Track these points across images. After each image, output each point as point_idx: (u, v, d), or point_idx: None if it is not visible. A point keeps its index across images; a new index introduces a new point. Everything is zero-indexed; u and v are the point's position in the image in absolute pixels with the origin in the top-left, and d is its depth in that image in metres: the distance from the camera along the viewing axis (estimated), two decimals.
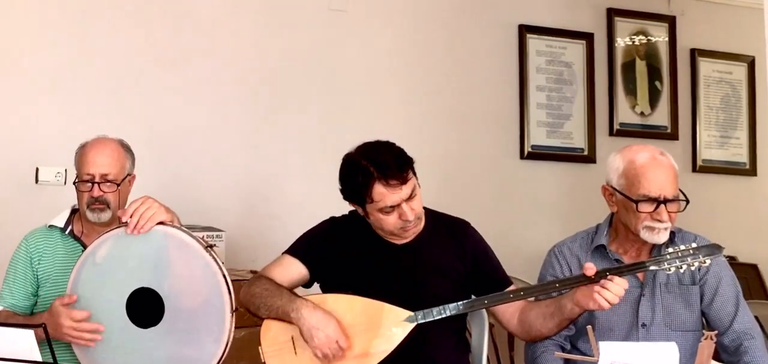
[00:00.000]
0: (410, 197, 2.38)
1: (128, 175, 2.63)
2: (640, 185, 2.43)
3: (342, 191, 2.47)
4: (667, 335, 2.47)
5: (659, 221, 2.41)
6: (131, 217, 2.28)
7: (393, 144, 2.43)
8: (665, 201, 2.41)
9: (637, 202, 2.42)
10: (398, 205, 2.37)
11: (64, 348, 2.36)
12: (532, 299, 2.50)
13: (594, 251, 2.59)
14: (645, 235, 2.44)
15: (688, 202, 2.46)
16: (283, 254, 2.57)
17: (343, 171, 2.45)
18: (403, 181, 2.35)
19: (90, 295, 2.31)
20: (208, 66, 3.89)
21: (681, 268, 2.26)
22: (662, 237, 2.45)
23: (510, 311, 2.49)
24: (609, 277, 2.25)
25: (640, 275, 2.56)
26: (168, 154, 3.76)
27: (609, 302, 2.23)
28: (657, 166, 2.45)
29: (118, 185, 2.56)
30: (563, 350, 2.55)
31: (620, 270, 2.31)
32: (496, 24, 4.47)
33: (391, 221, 2.40)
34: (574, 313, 2.30)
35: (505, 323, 2.52)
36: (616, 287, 2.23)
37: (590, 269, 2.23)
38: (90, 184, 2.54)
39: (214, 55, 3.91)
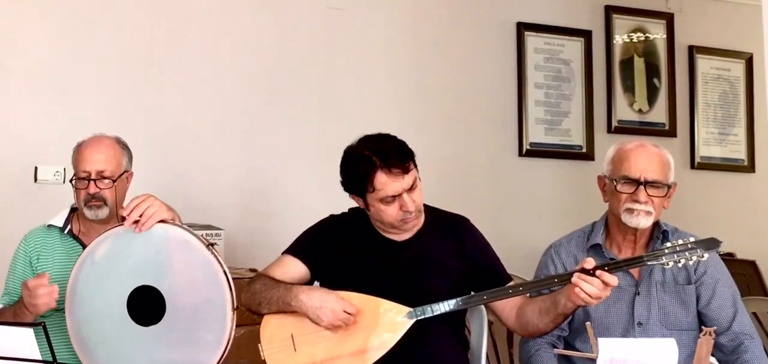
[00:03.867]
0: (411, 188, 2.40)
1: (125, 172, 2.64)
2: (622, 166, 2.52)
3: (343, 182, 2.48)
4: (663, 334, 2.47)
5: (637, 201, 2.46)
6: (131, 214, 2.28)
7: (395, 136, 2.46)
8: (645, 183, 2.47)
9: (617, 182, 2.50)
10: (399, 195, 2.38)
11: (63, 346, 2.36)
12: (530, 294, 2.50)
13: (589, 249, 2.60)
14: (626, 218, 2.49)
15: (669, 187, 2.51)
16: (282, 253, 2.57)
17: (344, 162, 2.47)
18: (405, 170, 2.37)
19: (90, 294, 2.31)
20: (207, 64, 3.90)
21: (679, 262, 2.26)
22: (642, 221, 2.48)
23: (508, 307, 2.49)
24: (607, 270, 2.24)
25: (635, 274, 2.57)
26: (167, 152, 3.76)
27: (589, 296, 2.19)
28: (642, 151, 2.53)
29: (114, 182, 2.56)
30: (555, 348, 2.57)
31: (618, 265, 2.31)
32: (494, 21, 4.48)
33: (391, 213, 2.41)
34: (567, 308, 2.30)
35: (504, 319, 2.52)
36: (597, 281, 2.19)
37: (589, 262, 2.23)
38: (86, 181, 2.54)
39: (213, 54, 3.91)
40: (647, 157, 2.51)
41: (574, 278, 2.21)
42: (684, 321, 2.54)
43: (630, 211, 2.48)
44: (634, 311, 2.54)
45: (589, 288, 2.19)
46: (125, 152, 2.66)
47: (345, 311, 2.31)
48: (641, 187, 2.47)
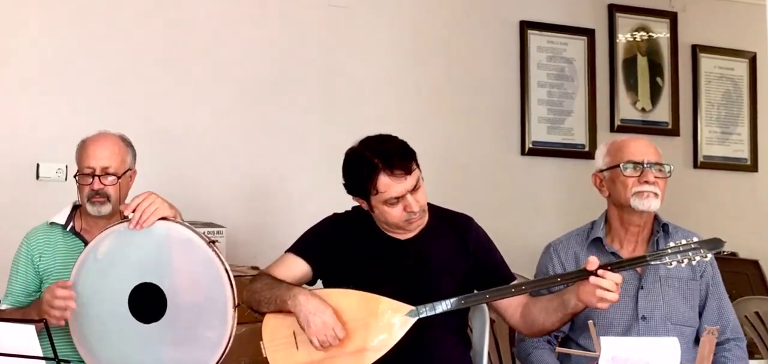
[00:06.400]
0: (415, 189, 2.39)
1: (129, 169, 2.63)
2: (622, 153, 2.57)
3: (346, 185, 2.47)
4: (667, 329, 2.48)
5: (646, 182, 2.50)
6: (134, 211, 2.28)
7: (396, 137, 2.44)
8: (649, 164, 2.51)
9: (621, 167, 2.52)
10: (403, 196, 2.37)
11: (65, 343, 2.36)
12: (533, 293, 2.50)
13: (590, 244, 2.61)
14: (635, 203, 2.50)
15: (670, 169, 2.56)
16: (285, 252, 2.56)
17: (346, 165, 2.45)
18: (408, 171, 2.36)
19: (92, 291, 2.31)
20: (208, 62, 3.89)
21: (682, 262, 2.26)
22: (653, 203, 2.50)
23: (513, 306, 2.48)
24: (610, 269, 2.23)
25: (638, 269, 2.57)
26: (168, 150, 3.76)
27: (608, 301, 2.21)
28: (638, 139, 2.64)
29: (119, 178, 2.56)
30: (550, 344, 2.58)
31: (622, 264, 2.31)
32: (497, 20, 4.47)
33: (395, 214, 2.40)
34: (578, 308, 2.30)
35: (508, 318, 2.52)
36: (611, 281, 2.20)
37: (593, 263, 2.23)
38: (90, 177, 2.54)
39: (215, 52, 3.91)
40: (644, 144, 2.59)
41: (593, 279, 2.20)
42: (687, 317, 2.55)
43: (639, 194, 2.50)
44: (637, 305, 2.53)
45: (609, 285, 2.19)
46: (130, 150, 2.66)
47: (334, 331, 2.29)
48: (647, 168, 2.51)
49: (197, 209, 3.53)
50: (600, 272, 2.21)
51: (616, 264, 2.30)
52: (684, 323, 2.53)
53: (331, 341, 2.29)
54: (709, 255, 2.27)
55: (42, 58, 3.63)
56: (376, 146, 2.40)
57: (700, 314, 2.57)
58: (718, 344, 2.52)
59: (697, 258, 2.25)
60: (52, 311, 2.28)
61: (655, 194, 2.50)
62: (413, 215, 2.41)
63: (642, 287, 2.54)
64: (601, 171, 2.62)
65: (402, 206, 2.39)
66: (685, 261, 2.26)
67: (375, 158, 2.36)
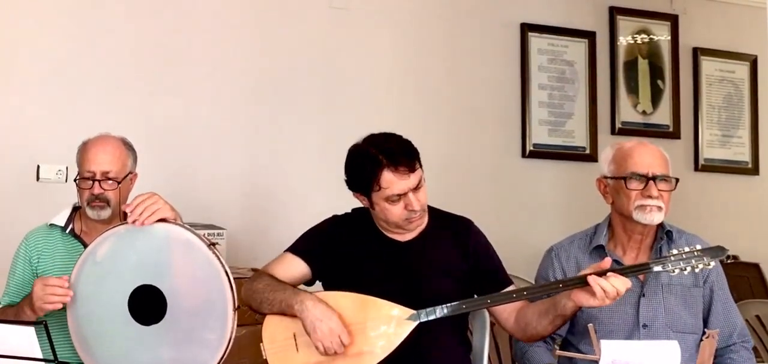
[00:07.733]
0: (417, 188, 2.40)
1: (130, 173, 2.63)
2: (627, 164, 2.51)
3: (348, 181, 2.47)
4: (668, 337, 2.46)
5: (650, 197, 2.46)
6: (134, 210, 2.28)
7: (400, 135, 2.46)
8: (654, 178, 2.47)
9: (626, 179, 2.48)
10: (405, 193, 2.38)
11: (64, 345, 2.36)
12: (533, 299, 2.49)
13: (593, 251, 2.59)
14: (638, 216, 2.48)
15: (677, 180, 2.52)
16: (284, 252, 2.56)
17: (349, 161, 2.46)
18: (412, 169, 2.37)
19: (91, 293, 2.31)
20: (209, 63, 3.89)
21: (685, 269, 2.25)
22: (655, 217, 2.47)
23: (507, 311, 2.48)
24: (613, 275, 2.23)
25: (640, 276, 2.56)
26: (169, 152, 3.76)
27: (607, 295, 2.17)
28: (644, 147, 2.55)
29: (119, 183, 2.55)
30: (547, 344, 2.57)
31: (624, 271, 2.29)
32: (498, 22, 4.47)
33: (396, 212, 2.40)
34: (567, 308, 2.28)
35: (503, 323, 2.51)
36: (617, 282, 2.18)
37: (606, 262, 2.22)
38: (91, 181, 2.54)
39: (216, 53, 3.91)
40: (651, 154, 2.53)
41: (591, 280, 2.18)
42: (690, 324, 2.53)
43: (642, 208, 2.47)
44: (639, 313, 2.52)
45: (609, 287, 2.17)
46: (130, 154, 2.65)
47: (339, 338, 2.29)
48: (652, 182, 2.47)
49: (197, 211, 3.53)
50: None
51: (619, 270, 2.28)
52: (686, 330, 2.51)
53: (336, 349, 2.29)
54: (712, 263, 2.25)
55: (42, 58, 3.63)
56: (381, 143, 2.41)
57: (706, 320, 2.55)
58: (725, 347, 2.52)
59: (700, 266, 2.24)
60: (45, 305, 2.29)
61: (659, 208, 2.46)
62: (414, 214, 2.41)
63: (643, 295, 2.53)
64: (606, 178, 2.59)
65: (403, 203, 2.39)
66: (688, 269, 2.24)
67: (379, 154, 2.37)
